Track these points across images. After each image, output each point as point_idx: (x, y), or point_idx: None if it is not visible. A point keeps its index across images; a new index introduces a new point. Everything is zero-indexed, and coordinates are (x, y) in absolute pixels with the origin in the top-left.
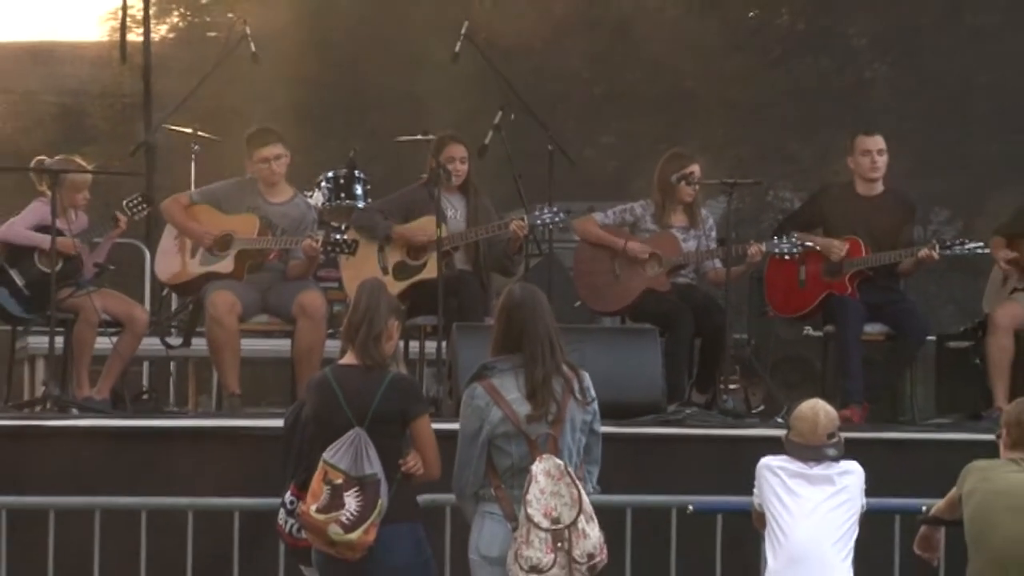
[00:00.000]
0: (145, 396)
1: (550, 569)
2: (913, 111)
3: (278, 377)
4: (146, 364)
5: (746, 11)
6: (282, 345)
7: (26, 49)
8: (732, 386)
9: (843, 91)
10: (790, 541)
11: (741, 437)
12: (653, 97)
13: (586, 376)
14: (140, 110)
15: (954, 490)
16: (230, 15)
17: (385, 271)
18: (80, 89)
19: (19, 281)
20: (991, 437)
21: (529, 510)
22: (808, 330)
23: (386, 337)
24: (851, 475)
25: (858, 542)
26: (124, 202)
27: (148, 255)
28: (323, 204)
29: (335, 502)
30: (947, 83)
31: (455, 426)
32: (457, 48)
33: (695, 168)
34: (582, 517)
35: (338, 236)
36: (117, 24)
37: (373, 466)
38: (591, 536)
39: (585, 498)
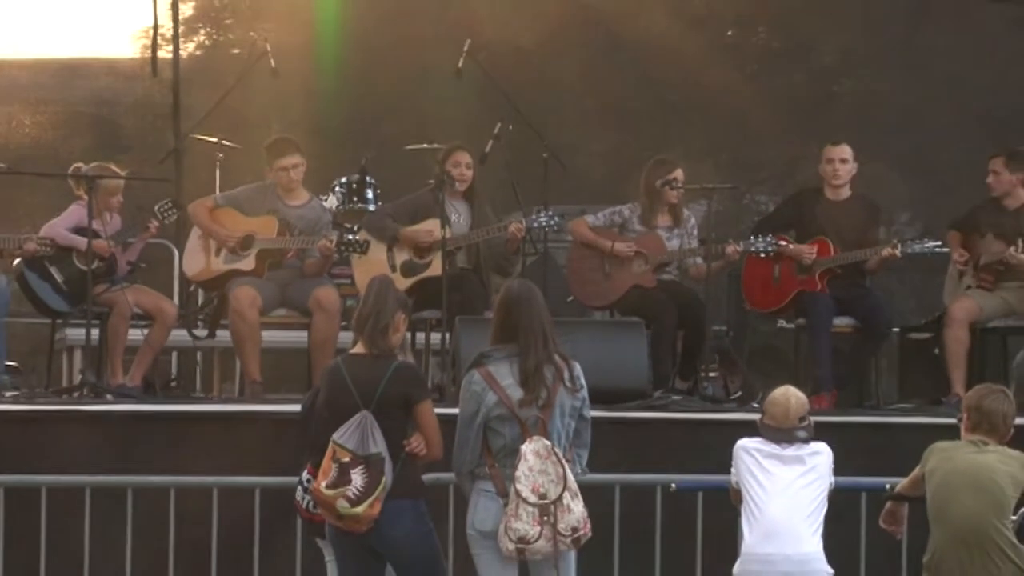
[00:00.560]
0: (174, 383)
1: (536, 541)
2: (876, 122)
3: (296, 366)
4: (175, 354)
5: (725, 30)
6: (299, 336)
7: (65, 64)
8: (712, 374)
9: (813, 103)
10: (765, 516)
11: (720, 421)
12: (640, 109)
13: (576, 366)
14: (169, 121)
15: (917, 469)
16: (252, 34)
17: (393, 269)
18: (114, 101)
19: (59, 278)
20: (950, 420)
21: (518, 486)
22: (782, 323)
23: (393, 329)
24: (820, 456)
25: (827, 517)
26: (156, 207)
27: (176, 254)
28: (337, 207)
29: (343, 479)
30: (907, 97)
31: (458, 411)
32: (460, 64)
33: (678, 173)
34: (567, 493)
35: (351, 236)
36: (148, 42)
37: (378, 446)
38: (575, 511)
39: (570, 476)
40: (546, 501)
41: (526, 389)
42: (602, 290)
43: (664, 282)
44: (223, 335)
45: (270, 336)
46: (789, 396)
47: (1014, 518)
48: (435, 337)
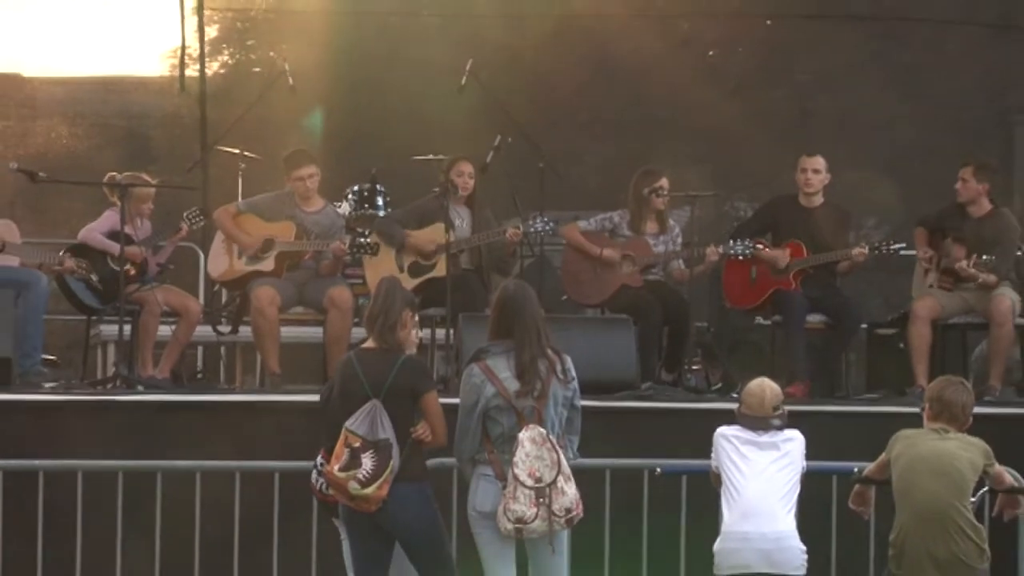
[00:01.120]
0: (199, 375)
1: (533, 521)
2: (848, 135)
3: (312, 359)
4: (200, 348)
5: (707, 51)
6: (315, 332)
7: (100, 81)
8: (695, 367)
9: (789, 118)
10: (743, 497)
11: (702, 410)
12: (629, 123)
13: (568, 359)
14: (196, 133)
15: (884, 454)
16: (271, 54)
17: (401, 269)
18: (145, 115)
19: (94, 278)
20: (913, 410)
21: (516, 471)
22: (759, 320)
23: (400, 325)
24: (793, 442)
25: (800, 498)
26: (184, 214)
27: (202, 256)
28: (350, 213)
29: (354, 462)
30: (876, 112)
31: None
32: (463, 82)
33: (664, 182)
34: (561, 477)
35: (362, 240)
36: (177, 61)
37: (386, 432)
38: (568, 493)
39: (563, 461)
40: (542, 484)
41: (522, 381)
42: (593, 290)
43: (650, 282)
44: (245, 331)
45: (288, 332)
46: (764, 387)
47: (973, 500)
48: (440, 333)
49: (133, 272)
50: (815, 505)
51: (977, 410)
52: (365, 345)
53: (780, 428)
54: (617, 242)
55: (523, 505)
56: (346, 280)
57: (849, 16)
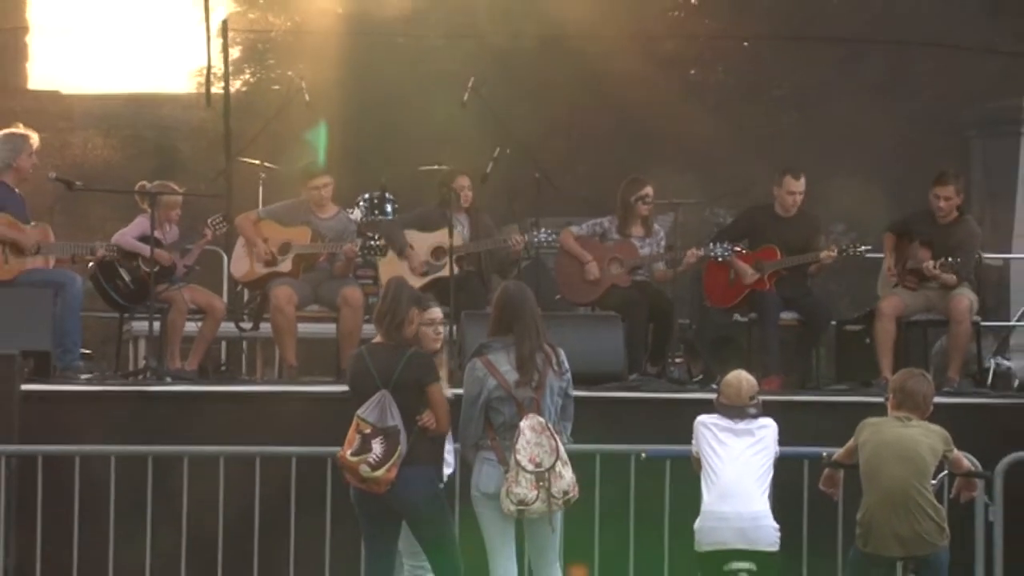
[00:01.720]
0: (223, 368)
1: (534, 503)
2: (818, 147)
3: (326, 353)
4: (224, 343)
5: (689, 70)
6: (329, 328)
7: (132, 97)
8: (677, 360)
9: (765, 132)
10: (721, 480)
11: (684, 400)
12: (618, 136)
13: (562, 352)
14: (220, 145)
15: (851, 440)
16: (289, 73)
17: (410, 268)
18: (174, 128)
19: (126, 278)
20: (879, 399)
21: (517, 456)
22: (736, 317)
23: (407, 323)
24: (768, 429)
25: (774, 480)
26: (209, 220)
27: (225, 259)
28: (361, 219)
29: (364, 447)
30: (844, 127)
31: (463, 392)
32: (465, 98)
33: (649, 190)
34: (559, 462)
35: (372, 242)
36: (203, 78)
37: (395, 420)
38: (566, 477)
39: (561, 447)
40: (541, 469)
41: (521, 373)
42: (585, 289)
43: (637, 283)
44: (265, 327)
45: (304, 328)
46: (741, 379)
47: (933, 482)
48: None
49: (162, 266)
50: (788, 487)
51: (937, 400)
52: (375, 340)
53: (755, 416)
54: (606, 245)
55: (524, 488)
56: (357, 280)
57: (820, 39)
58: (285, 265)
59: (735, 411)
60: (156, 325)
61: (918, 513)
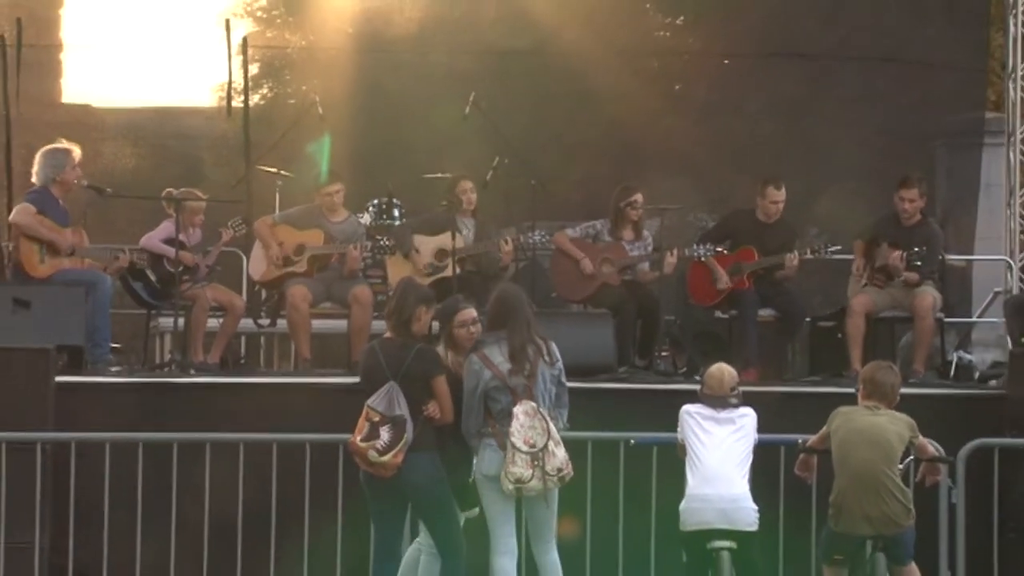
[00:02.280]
0: (243, 361)
1: (530, 481)
2: (792, 157)
3: (338, 348)
4: (243, 338)
5: (673, 85)
6: (341, 324)
7: (158, 110)
8: (664, 353)
9: (743, 143)
10: (704, 465)
11: (670, 390)
12: (608, 146)
13: (553, 344)
14: (240, 154)
15: (824, 428)
16: (304, 87)
17: (417, 268)
18: (197, 138)
19: (153, 278)
20: (849, 390)
21: (513, 439)
22: (718, 314)
23: (415, 320)
24: (747, 417)
25: (753, 465)
26: (229, 223)
27: (245, 259)
28: (370, 223)
29: (373, 434)
30: (816, 138)
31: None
32: (467, 111)
33: (638, 197)
34: (551, 442)
35: (381, 243)
36: (224, 92)
37: (402, 409)
38: (558, 456)
39: (552, 428)
40: (535, 449)
41: (514, 363)
42: (578, 288)
43: (626, 282)
44: (281, 323)
45: (318, 324)
46: (723, 371)
47: (900, 467)
48: None
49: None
50: (766, 471)
51: (903, 391)
52: (385, 335)
53: (736, 406)
54: (598, 246)
55: (521, 468)
56: (367, 280)
57: (795, 56)
58: (300, 266)
59: (717, 401)
60: (180, 321)
61: (886, 495)
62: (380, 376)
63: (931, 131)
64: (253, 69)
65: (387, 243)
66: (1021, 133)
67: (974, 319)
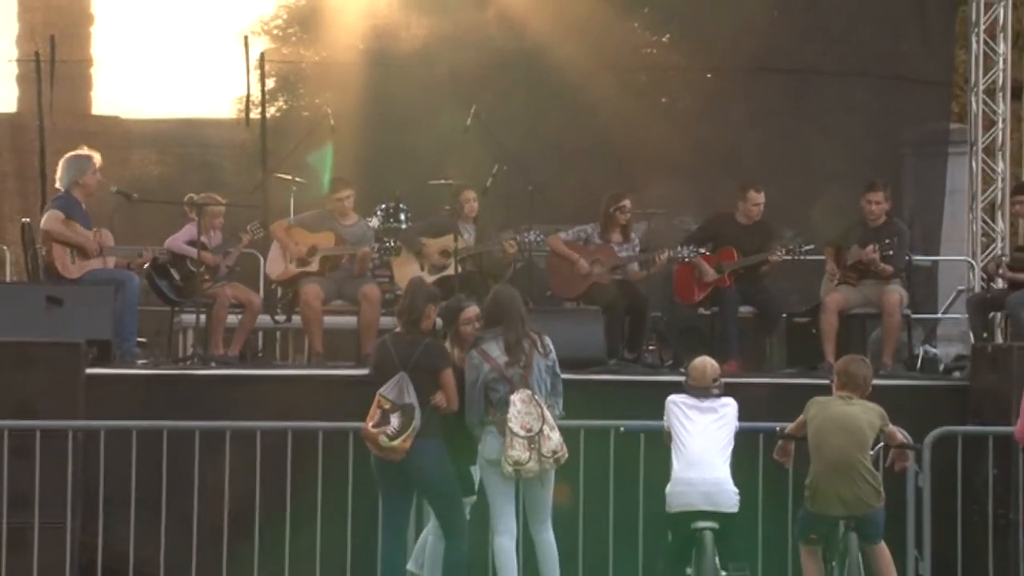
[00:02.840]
0: (260, 355)
1: (528, 463)
2: (771, 165)
3: (348, 342)
4: (260, 333)
5: (660, 97)
6: (351, 321)
7: (182, 121)
8: (651, 348)
9: (728, 151)
10: (688, 450)
11: (656, 382)
12: (600, 155)
13: (547, 338)
14: (258, 162)
15: (801, 416)
16: (317, 100)
17: (421, 268)
18: (218, 147)
19: (176, 277)
20: (824, 381)
21: (510, 424)
22: (701, 310)
23: (424, 317)
24: (729, 407)
25: (734, 451)
26: (248, 226)
27: (262, 260)
28: (379, 226)
29: (384, 420)
30: (794, 147)
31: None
32: (468, 122)
33: (626, 202)
34: (545, 426)
35: (388, 244)
36: (243, 104)
37: (411, 398)
38: (553, 439)
39: (547, 414)
40: (531, 433)
41: (510, 356)
42: (571, 287)
43: (616, 281)
44: (296, 319)
45: (329, 320)
46: (706, 363)
47: (871, 452)
48: None
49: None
50: (746, 457)
51: (874, 382)
52: (396, 331)
53: (718, 396)
54: (589, 248)
55: (519, 451)
56: (376, 279)
57: (772, 70)
58: (313, 266)
59: (701, 391)
60: (202, 318)
61: (858, 479)
62: (391, 368)
63: (901, 141)
64: (270, 83)
65: (393, 245)
66: (983, 143)
67: (939, 315)
